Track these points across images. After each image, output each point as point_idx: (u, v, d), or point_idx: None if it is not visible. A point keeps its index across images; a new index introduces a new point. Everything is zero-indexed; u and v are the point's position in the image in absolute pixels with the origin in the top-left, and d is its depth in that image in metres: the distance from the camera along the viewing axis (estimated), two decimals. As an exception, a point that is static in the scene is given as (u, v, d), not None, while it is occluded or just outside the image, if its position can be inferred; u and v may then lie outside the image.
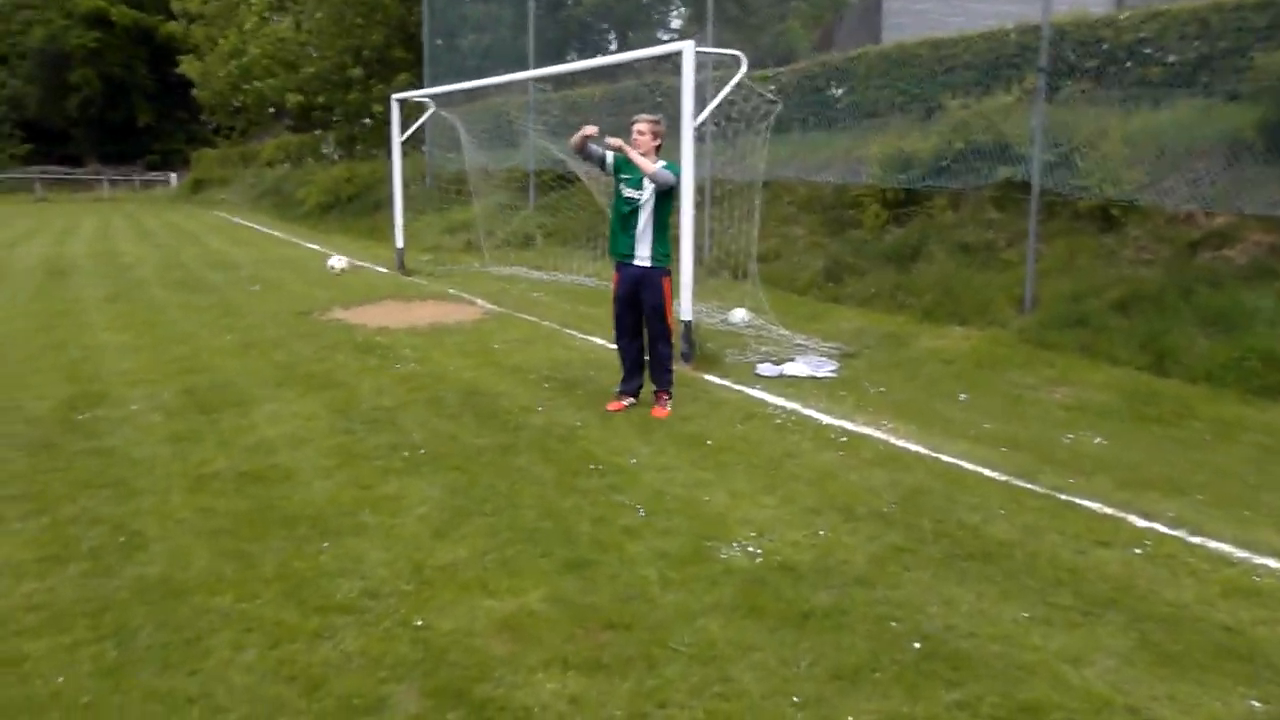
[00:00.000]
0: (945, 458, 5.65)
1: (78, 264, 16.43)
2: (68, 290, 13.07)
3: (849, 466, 5.49)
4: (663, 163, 6.45)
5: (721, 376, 7.65)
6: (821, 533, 4.50)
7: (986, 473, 5.36)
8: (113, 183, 50.52)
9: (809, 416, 6.54)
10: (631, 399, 6.79)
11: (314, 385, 7.41)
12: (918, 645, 3.46)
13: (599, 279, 12.88)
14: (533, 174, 17.97)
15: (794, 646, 3.44)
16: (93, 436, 6.02)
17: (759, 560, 4.18)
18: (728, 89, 8.40)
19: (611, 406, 6.70)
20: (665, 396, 6.68)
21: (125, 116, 57.84)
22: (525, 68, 16.39)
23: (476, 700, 3.11)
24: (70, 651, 3.42)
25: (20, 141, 56.50)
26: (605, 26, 28.00)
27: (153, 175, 54.58)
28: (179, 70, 41.96)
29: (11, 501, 4.89)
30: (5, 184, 47.90)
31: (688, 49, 7.95)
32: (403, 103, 15.28)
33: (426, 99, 15.74)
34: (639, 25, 27.47)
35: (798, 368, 7.82)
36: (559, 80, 19.32)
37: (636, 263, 6.53)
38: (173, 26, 44.85)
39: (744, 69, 8.34)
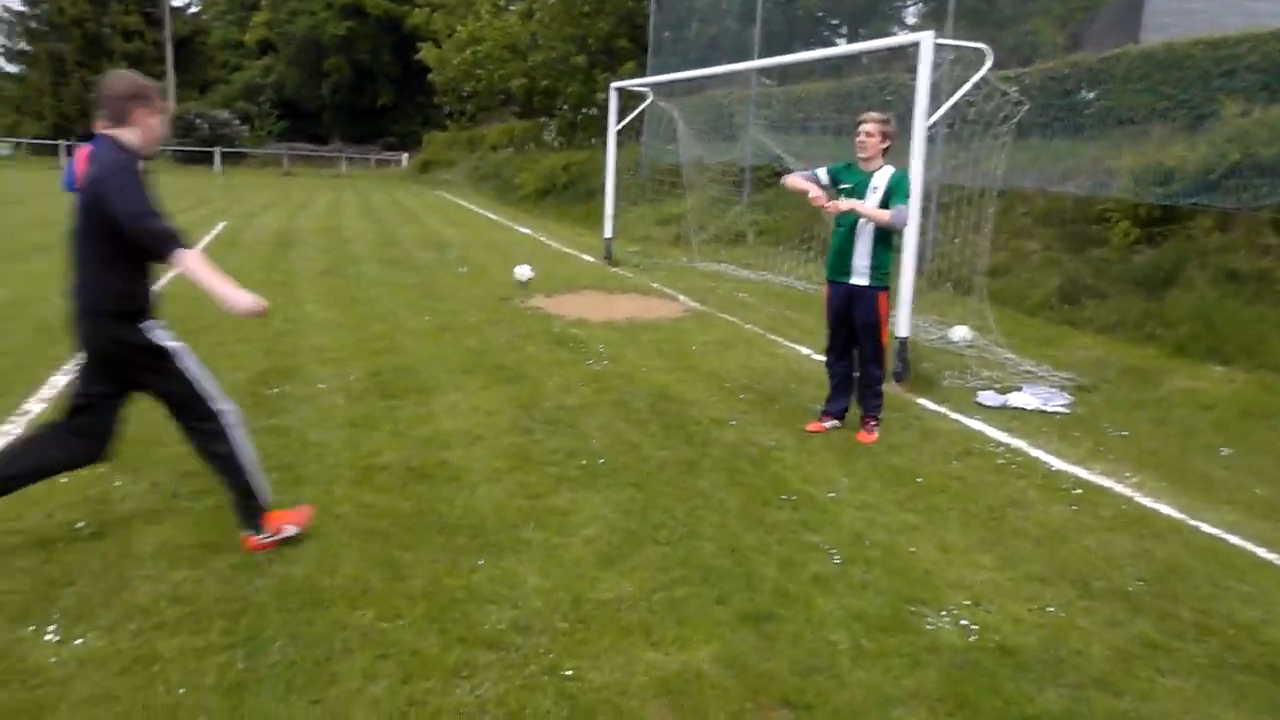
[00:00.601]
0: (1206, 528, 4.73)
1: (304, 237, 17.15)
2: (289, 262, 13.56)
3: (1084, 527, 4.67)
4: (883, 167, 5.76)
5: (937, 402, 6.88)
6: (1050, 609, 3.76)
7: (1262, 554, 4.42)
8: (350, 161, 53.55)
9: (1036, 458, 5.71)
10: (835, 421, 6.15)
11: (501, 377, 7.16)
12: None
13: (810, 282, 12.21)
14: (749, 169, 17.43)
15: (1014, 765, 2.77)
16: (275, 414, 5.94)
17: (973, 638, 3.49)
18: (969, 85, 7.56)
19: (811, 427, 6.09)
20: (873, 421, 6.02)
21: (369, 100, 61.43)
22: (750, 60, 15.86)
23: (620, 784, 2.62)
24: (200, 657, 3.16)
25: (277, 120, 60.98)
26: (836, 21, 27.05)
27: (387, 155, 57.55)
28: (419, 57, 43.99)
29: (187, 478, 4.79)
30: (260, 158, 51.66)
31: (926, 40, 7.21)
32: (622, 92, 15.06)
33: (646, 88, 15.47)
34: (872, 19, 26.37)
35: (1025, 398, 6.94)
36: (784, 75, 18.70)
37: (852, 281, 5.89)
38: (418, 15, 47.07)
39: (989, 64, 7.49)
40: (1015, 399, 6.94)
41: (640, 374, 7.42)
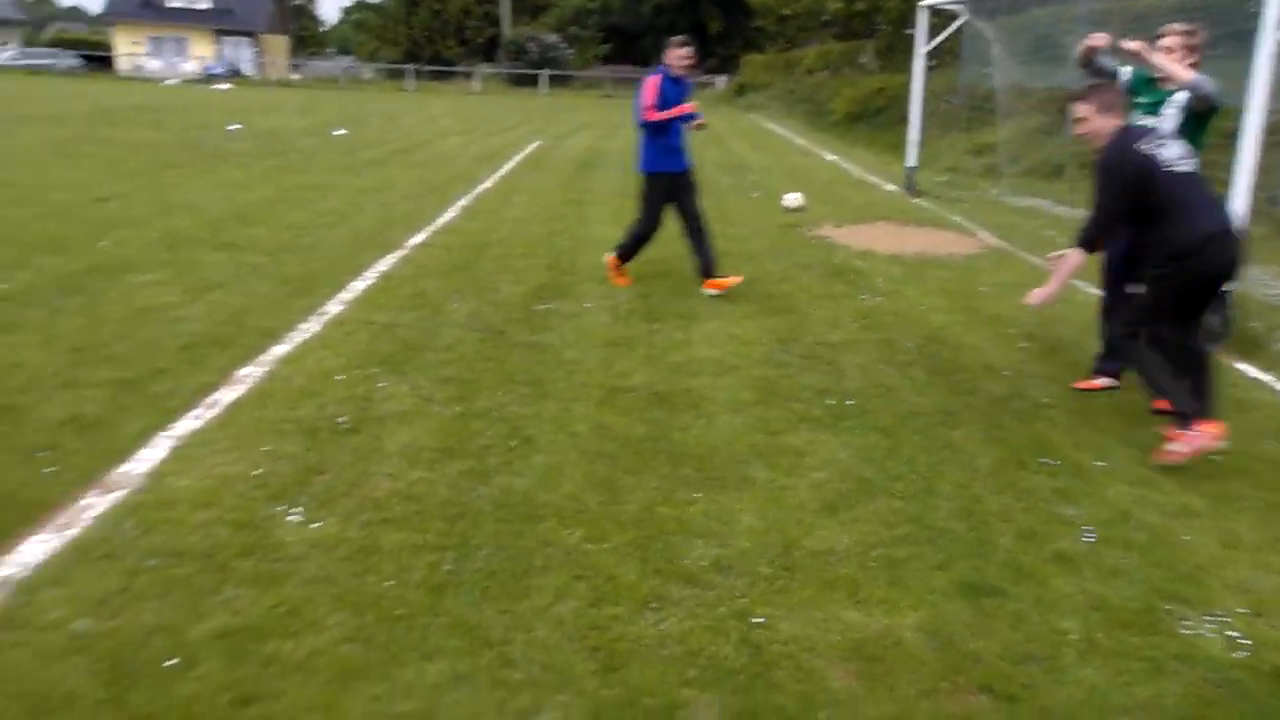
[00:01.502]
0: None
1: (608, 159, 17.60)
2: (588, 181, 13.98)
3: None
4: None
5: (1263, 369, 5.97)
6: (1355, 631, 3.14)
7: None
8: (670, 83, 54.24)
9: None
10: (1110, 380, 5.46)
11: (767, 307, 7.00)
12: None
13: (1131, 223, 10.97)
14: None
15: (1256, 807, 2.34)
16: (539, 330, 6.13)
17: (1241, 654, 2.98)
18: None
19: (1081, 384, 5.46)
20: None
21: (693, 23, 61.77)
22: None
23: (782, 749, 2.48)
24: (414, 554, 3.32)
25: (602, 43, 62.92)
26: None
27: (705, 78, 57.75)
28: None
29: (444, 384, 5.06)
30: (583, 81, 53.58)
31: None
32: (933, 10, 14.08)
33: (959, 6, 14.37)
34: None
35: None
36: (1128, -14, 16.73)
37: None
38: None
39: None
40: None
41: (916, 313, 6.99)
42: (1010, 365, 5.84)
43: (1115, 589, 3.31)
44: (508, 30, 56.33)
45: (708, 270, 7.24)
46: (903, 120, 21.80)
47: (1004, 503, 3.96)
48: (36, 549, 3.27)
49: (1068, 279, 4.65)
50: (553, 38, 54.34)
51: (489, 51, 56.98)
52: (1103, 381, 5.43)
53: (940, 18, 14.90)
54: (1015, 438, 4.68)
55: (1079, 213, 11.89)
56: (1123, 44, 5.10)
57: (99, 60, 54.08)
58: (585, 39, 61.79)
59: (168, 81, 46.10)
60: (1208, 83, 4.87)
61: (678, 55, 7.04)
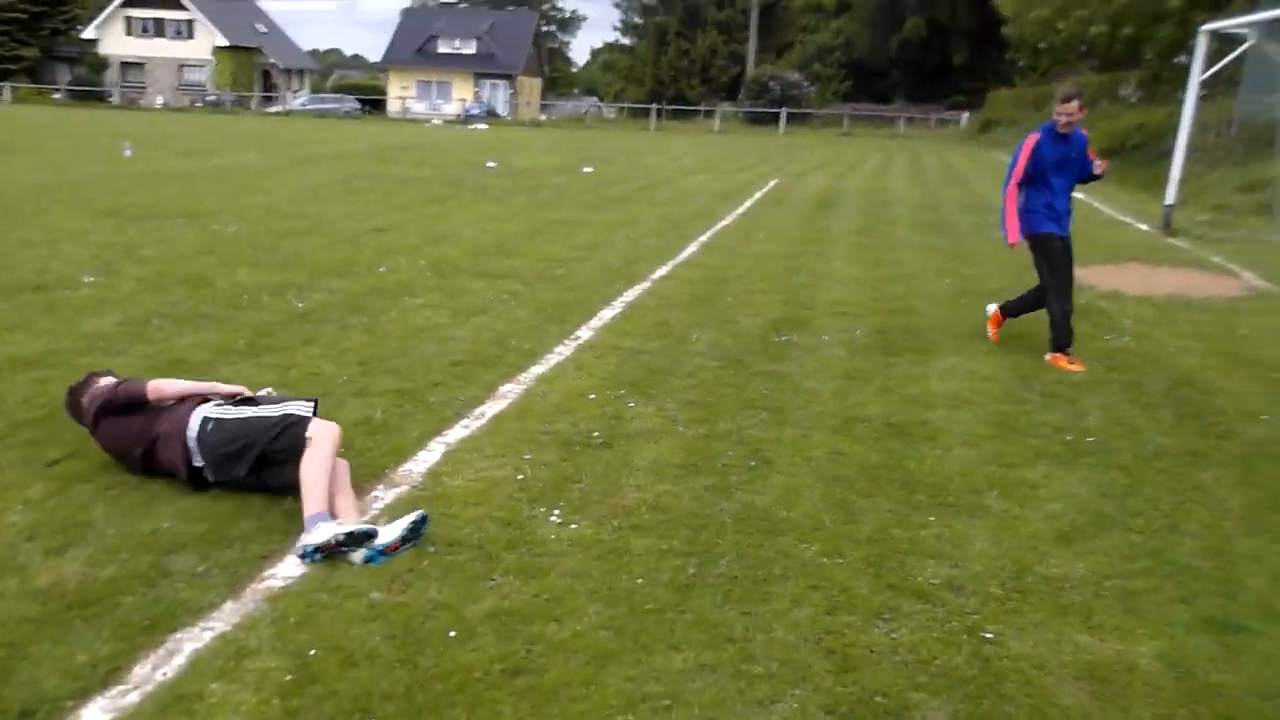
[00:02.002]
0: None
1: (846, 197, 17.69)
2: (827, 220, 14.14)
3: None
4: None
5: None
6: None
7: None
8: (909, 120, 53.48)
9: None
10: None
11: (1006, 345, 6.95)
12: None
13: None
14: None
15: None
16: (778, 360, 6.38)
17: None
18: None
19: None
20: None
21: (940, 58, 60.65)
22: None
23: (1009, 753, 2.59)
24: (661, 557, 3.63)
25: (843, 80, 62.75)
26: None
27: (947, 114, 56.47)
28: (994, 2, 42.38)
29: (688, 406, 5.39)
30: (822, 119, 53.64)
31: None
32: (1215, 35, 13.30)
33: (1245, 29, 13.47)
34: None
35: None
36: None
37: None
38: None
39: None
40: None
41: (1165, 355, 6.75)
42: (1272, 410, 5.56)
43: (1377, 639, 3.18)
44: (752, 69, 57.28)
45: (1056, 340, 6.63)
46: (1161, 157, 20.65)
47: (1256, 545, 3.85)
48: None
49: None
50: (795, 76, 54.81)
51: (731, 90, 58.11)
52: None
53: (1219, 43, 14.03)
54: (1273, 483, 4.49)
55: (1365, 253, 10.98)
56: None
57: (374, 104, 59.31)
58: (826, 76, 61.86)
59: (432, 122, 49.88)
60: None
61: (1062, 110, 6.40)
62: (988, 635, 3.15)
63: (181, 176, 16.97)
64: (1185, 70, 24.52)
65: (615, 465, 4.52)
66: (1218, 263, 10.81)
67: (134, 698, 2.72)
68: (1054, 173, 6.53)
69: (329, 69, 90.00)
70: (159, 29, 62.90)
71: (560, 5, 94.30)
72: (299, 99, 60.68)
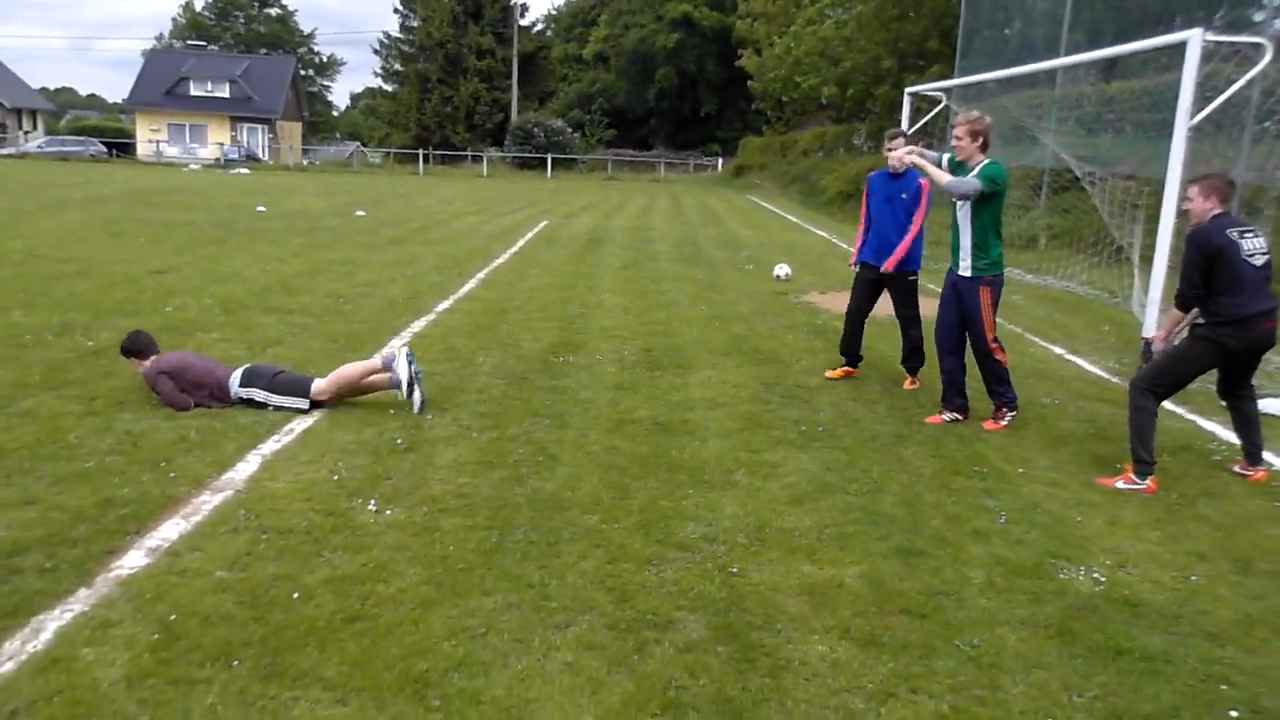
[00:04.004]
0: None
1: (613, 236, 18.82)
2: (596, 256, 15.13)
3: (1276, 519, 4.81)
4: (982, 161, 5.99)
5: (1178, 403, 6.93)
6: (1194, 578, 4.08)
7: None
8: (669, 165, 56.23)
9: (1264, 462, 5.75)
10: (954, 415, 6.34)
11: (754, 359, 8.00)
12: (1235, 715, 3.09)
13: (1093, 287, 12.06)
14: (1047, 172, 17.10)
15: (1087, 678, 3.25)
16: (558, 376, 7.12)
17: (1099, 589, 3.93)
18: (1239, 84, 7.47)
19: (930, 419, 6.36)
20: (1003, 411, 6.29)
21: (693, 107, 64.23)
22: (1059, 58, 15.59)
23: (749, 642, 3.39)
24: (467, 531, 4.26)
25: (606, 128, 65.13)
26: (1173, 11, 25.38)
27: (704, 160, 59.75)
28: (739, 64, 45.69)
29: (480, 417, 6.04)
30: (587, 164, 55.46)
31: (1193, 39, 7.27)
32: (916, 96, 15.34)
33: (939, 93, 15.64)
34: (1218, 6, 24.47)
35: (1275, 405, 6.83)
36: (1105, 71, 18.04)
37: (960, 271, 6.17)
38: (741, 27, 48.81)
39: (1267, 59, 7.37)
40: (1266, 405, 6.83)
41: (886, 364, 7.99)
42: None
43: (1015, 552, 4.25)
44: (515, 116, 58.46)
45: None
46: (890, 198, 23.18)
47: (939, 497, 4.92)
48: (173, 529, 4.21)
49: (1174, 327, 5.59)
50: (558, 123, 56.40)
51: (497, 136, 59.04)
52: (946, 416, 6.36)
53: (925, 103, 16.15)
54: (956, 454, 5.64)
55: (1049, 280, 13.00)
56: (904, 158, 6.31)
57: (120, 146, 56.16)
58: (590, 123, 63.96)
59: (191, 166, 47.87)
60: (963, 186, 5.90)
61: (886, 149, 7.05)
62: (734, 571, 3.98)
63: (-83, 219, 15.92)
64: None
65: (420, 465, 5.11)
66: (934, 289, 12.44)
67: (9, 666, 3.09)
68: (882, 207, 7.21)
69: (62, 109, 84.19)
70: None
71: (317, 49, 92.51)
72: (34, 140, 56.55)
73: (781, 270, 12.92)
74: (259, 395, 6.01)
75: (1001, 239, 6.12)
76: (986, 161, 6.02)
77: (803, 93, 34.99)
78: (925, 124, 16.02)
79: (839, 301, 11.08)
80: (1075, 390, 7.40)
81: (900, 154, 6.55)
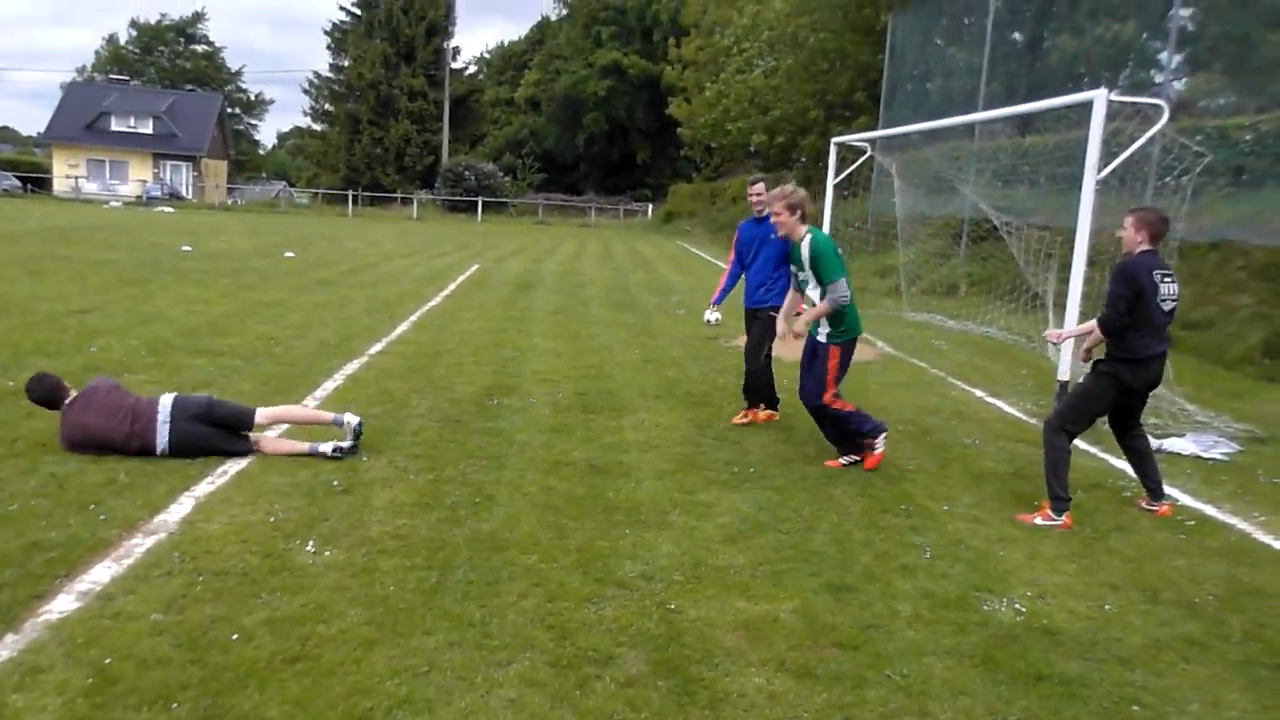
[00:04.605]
0: (1313, 564, 4.99)
1: (544, 280, 18.94)
2: (528, 300, 15.22)
3: (1182, 552, 5.07)
4: (806, 235, 6.25)
5: (1090, 443, 7.23)
6: (1107, 608, 4.28)
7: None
8: (599, 210, 56.67)
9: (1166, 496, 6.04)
10: (850, 456, 6.44)
11: (687, 402, 8.14)
12: (1148, 734, 3.27)
13: (1010, 332, 12.48)
14: (967, 222, 17.70)
15: (1009, 703, 3.41)
16: (492, 419, 7.18)
17: (1020, 619, 4.10)
18: (1140, 142, 7.90)
19: (830, 463, 6.45)
20: (848, 454, 6.42)
21: (623, 153, 65.00)
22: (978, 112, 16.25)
23: (688, 676, 3.48)
24: (407, 572, 4.29)
25: (536, 172, 65.49)
26: (1081, 71, 26.59)
27: (634, 205, 60.33)
28: (669, 111, 46.46)
29: (416, 459, 6.06)
30: (518, 208, 55.65)
31: (1099, 98, 7.68)
32: (842, 146, 15.81)
33: (864, 143, 16.14)
34: (1125, 67, 25.70)
35: (1183, 444, 7.18)
36: (1021, 126, 18.79)
37: (817, 336, 6.42)
38: (671, 74, 49.67)
39: (1164, 120, 7.82)
40: (1172, 444, 7.19)
41: (808, 405, 8.18)
42: (887, 443, 7.00)
43: (941, 585, 4.42)
44: (446, 159, 58.48)
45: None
46: (817, 244, 23.69)
47: (867, 535, 5.07)
48: (104, 573, 4.17)
49: (1079, 334, 6.03)
50: (489, 166, 56.55)
51: (427, 179, 58.95)
52: (844, 460, 6.45)
53: (851, 152, 16.64)
54: (883, 493, 5.82)
55: (969, 326, 13.43)
56: (789, 338, 6.63)
57: (35, 181, 54.79)
58: (520, 168, 64.24)
59: (111, 204, 46.86)
60: (836, 301, 6.14)
61: (750, 193, 7.52)
62: (672, 607, 4.07)
63: None
64: (831, 172, 28.46)
65: (356, 506, 5.12)
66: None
67: (-64, 714, 3.04)
68: (753, 252, 7.55)
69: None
70: None
71: (245, 86, 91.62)
72: (-58, 174, 54.93)
73: (712, 316, 13.11)
74: (197, 438, 5.84)
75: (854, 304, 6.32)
76: (809, 234, 6.27)
77: (732, 139, 35.73)
78: (850, 173, 16.51)
79: (768, 345, 11.33)
80: (995, 431, 7.68)
81: (783, 334, 6.81)
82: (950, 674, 3.59)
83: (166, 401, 5.87)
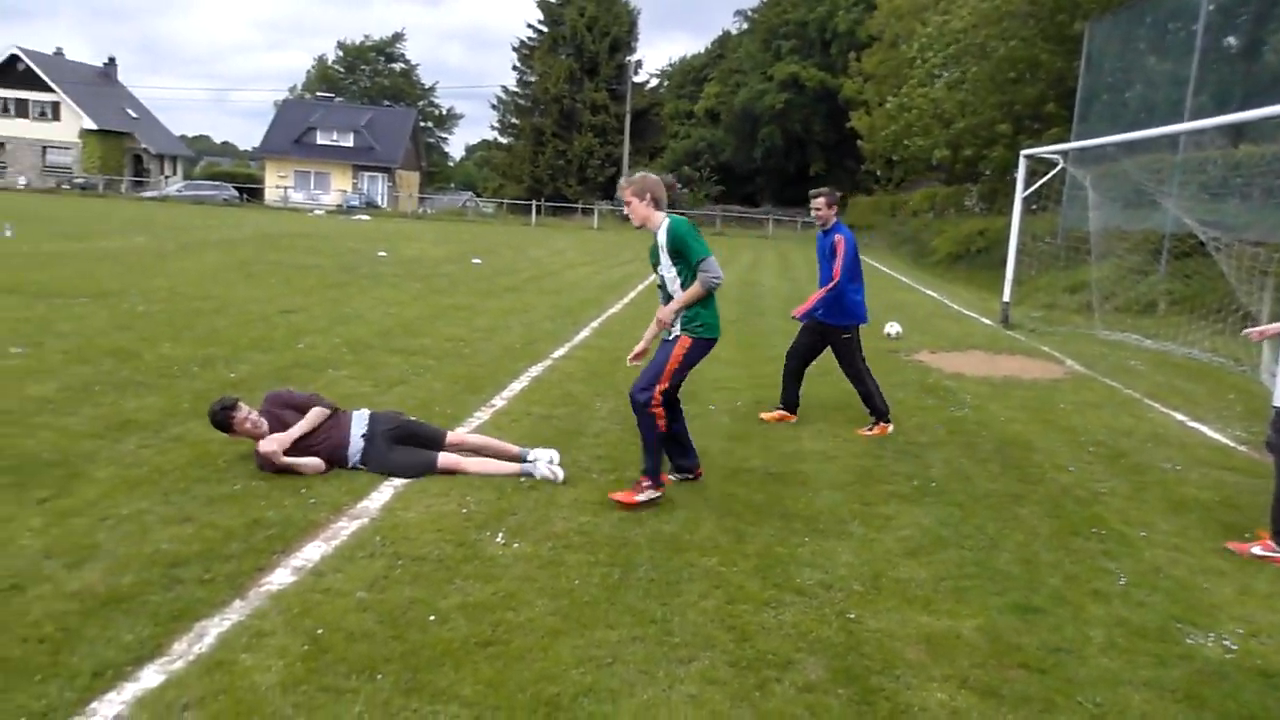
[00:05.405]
0: None
1: (722, 290, 18.84)
2: (705, 308, 15.33)
3: None
4: (664, 222, 5.65)
5: None
6: (1329, 650, 3.98)
7: None
8: (777, 222, 56.41)
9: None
10: (678, 476, 5.94)
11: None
12: (1374, 783, 3.03)
13: (1216, 354, 11.73)
14: (1168, 237, 16.71)
15: (1215, 740, 3.23)
16: (672, 423, 7.28)
17: (1230, 657, 3.86)
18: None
19: (663, 477, 5.65)
20: (641, 481, 5.46)
21: (800, 165, 64.46)
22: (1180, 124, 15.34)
23: (868, 686, 3.46)
24: (591, 567, 4.42)
25: (715, 184, 65.81)
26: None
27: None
28: (850, 125, 45.88)
29: (598, 460, 6.27)
30: (697, 219, 55.97)
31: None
32: (1032, 159, 15.25)
33: (1056, 155, 15.53)
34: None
35: None
36: (1233, 135, 17.66)
37: (671, 336, 5.78)
38: (850, 86, 49.02)
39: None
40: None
41: (998, 423, 7.93)
42: (1077, 463, 6.74)
43: (1138, 614, 4.21)
44: (626, 170, 59.59)
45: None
46: (1002, 261, 22.87)
47: (1056, 556, 4.89)
48: (315, 551, 4.48)
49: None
50: (669, 177, 57.25)
51: (608, 189, 60.25)
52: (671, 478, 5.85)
53: (1042, 165, 16.05)
54: (1073, 515, 5.59)
55: (1169, 346, 12.69)
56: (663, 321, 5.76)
57: (250, 191, 59.15)
58: (698, 179, 64.75)
59: (315, 212, 50.04)
60: (709, 281, 5.55)
61: (812, 207, 7.61)
62: (852, 616, 4.05)
63: (71, 258, 17.08)
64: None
65: (543, 502, 5.31)
66: (1046, 351, 12.33)
67: (179, 665, 3.35)
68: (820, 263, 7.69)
69: (198, 155, 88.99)
70: (21, 109, 61.58)
71: (437, 102, 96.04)
72: (174, 185, 60.00)
73: (892, 328, 12.93)
74: (374, 463, 5.71)
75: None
76: (667, 221, 5.64)
77: (912, 153, 34.93)
78: (1040, 186, 15.90)
79: (950, 361, 11.07)
80: (1198, 457, 7.23)
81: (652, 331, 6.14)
82: (1150, 707, 3.43)
83: (363, 418, 5.90)
